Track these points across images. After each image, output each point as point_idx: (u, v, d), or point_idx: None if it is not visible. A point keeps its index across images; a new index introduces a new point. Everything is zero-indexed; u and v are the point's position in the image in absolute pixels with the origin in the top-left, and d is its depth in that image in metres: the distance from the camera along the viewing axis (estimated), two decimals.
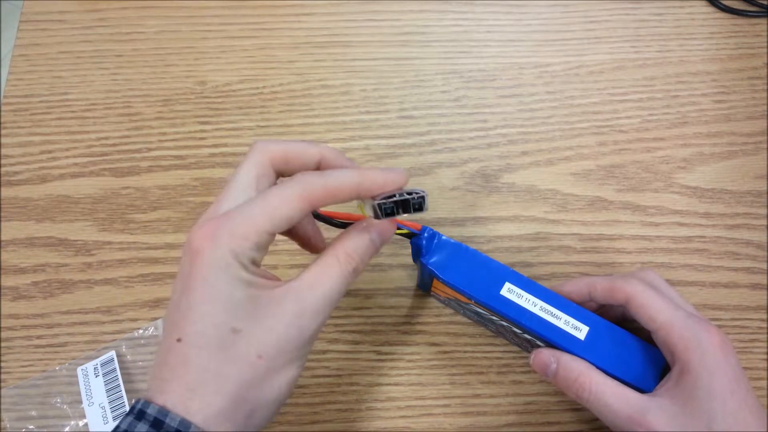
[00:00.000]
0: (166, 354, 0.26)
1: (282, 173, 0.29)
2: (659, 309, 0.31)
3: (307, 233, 0.33)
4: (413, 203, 0.28)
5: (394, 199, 0.28)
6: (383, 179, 0.28)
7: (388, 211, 0.28)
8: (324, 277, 0.27)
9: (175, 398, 0.25)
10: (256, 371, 0.25)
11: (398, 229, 0.35)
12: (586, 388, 0.31)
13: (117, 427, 0.25)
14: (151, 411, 0.25)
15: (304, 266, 0.28)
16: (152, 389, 0.26)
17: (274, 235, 0.26)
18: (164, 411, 0.24)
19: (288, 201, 0.26)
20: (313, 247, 0.34)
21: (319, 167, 0.29)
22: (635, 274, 0.35)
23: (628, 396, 0.31)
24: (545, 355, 0.33)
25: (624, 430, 0.30)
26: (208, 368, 0.25)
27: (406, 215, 0.28)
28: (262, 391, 0.26)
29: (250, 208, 0.26)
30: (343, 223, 0.33)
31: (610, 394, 0.31)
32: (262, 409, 0.26)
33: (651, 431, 0.29)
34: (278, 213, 0.26)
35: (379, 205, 0.27)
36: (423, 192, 0.28)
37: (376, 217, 0.28)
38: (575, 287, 0.35)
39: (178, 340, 0.25)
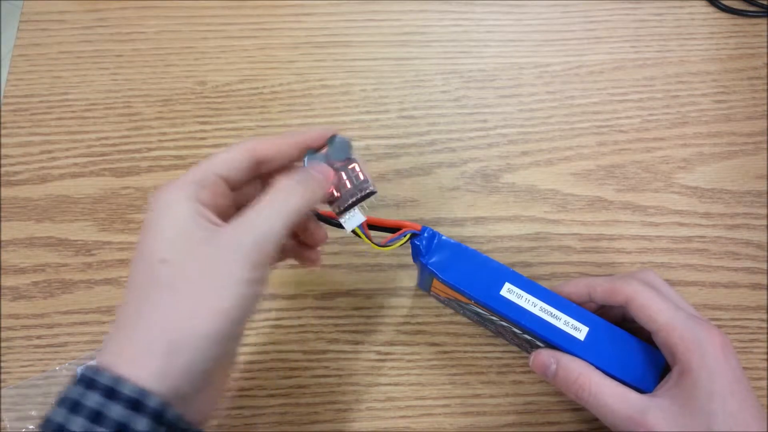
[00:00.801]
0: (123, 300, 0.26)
1: (261, 160, 0.30)
2: (659, 310, 0.31)
3: (309, 227, 0.34)
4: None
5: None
6: (315, 131, 0.31)
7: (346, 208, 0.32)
8: (257, 210, 0.27)
9: (108, 342, 0.25)
10: (177, 297, 0.24)
11: (397, 240, 0.35)
12: (586, 388, 0.31)
13: (63, 397, 0.24)
14: (87, 373, 0.24)
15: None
16: (105, 339, 0.26)
17: (221, 177, 0.28)
18: (95, 370, 0.24)
19: (229, 150, 0.29)
20: (315, 240, 0.34)
21: (292, 146, 0.31)
22: (635, 275, 0.35)
23: (627, 396, 0.31)
24: (545, 356, 0.33)
25: (624, 430, 0.30)
26: (135, 300, 0.25)
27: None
28: (185, 320, 0.24)
29: (200, 161, 0.28)
30: (341, 223, 0.34)
31: (609, 395, 0.31)
32: (188, 342, 0.24)
33: (651, 431, 0.29)
34: (221, 157, 0.28)
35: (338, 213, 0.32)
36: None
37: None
38: (575, 288, 0.35)
39: (126, 284, 0.26)
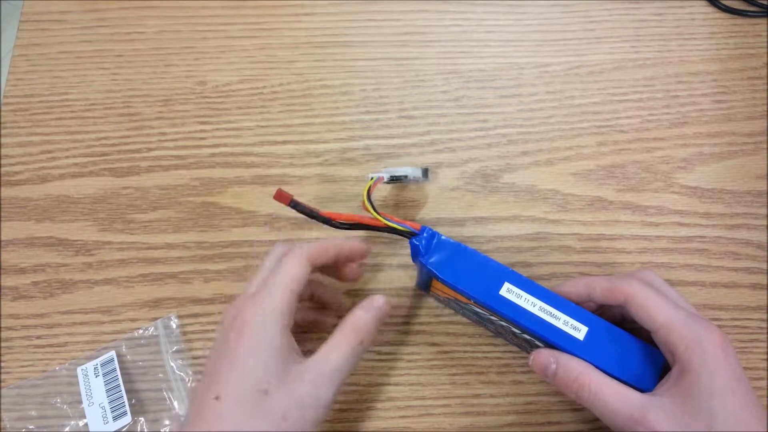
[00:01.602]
0: (202, 409, 0.29)
1: (315, 264, 0.34)
2: (659, 309, 0.31)
3: (324, 298, 0.39)
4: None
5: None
6: (353, 246, 0.36)
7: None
8: (335, 352, 0.32)
9: None
10: (279, 426, 0.29)
11: (398, 226, 0.36)
12: (586, 387, 0.31)
13: None
14: None
15: None
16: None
17: (298, 295, 0.32)
18: None
19: (293, 264, 0.33)
20: (355, 257, 0.38)
21: (339, 252, 0.36)
22: (634, 275, 0.35)
23: (628, 395, 0.31)
24: (544, 356, 0.33)
25: (624, 429, 0.30)
26: (240, 424, 0.29)
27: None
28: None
29: (275, 278, 0.32)
30: (341, 224, 0.36)
31: (609, 394, 0.31)
32: None
33: (651, 430, 0.29)
34: (293, 274, 0.32)
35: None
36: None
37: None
38: (574, 288, 0.35)
39: (216, 398, 0.29)
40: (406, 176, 0.40)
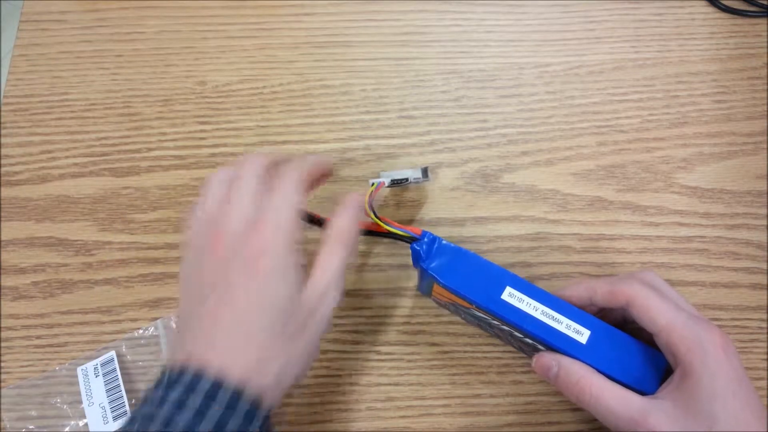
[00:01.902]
0: (221, 324, 0.29)
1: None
2: (660, 311, 0.31)
3: None
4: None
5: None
6: (327, 162, 0.37)
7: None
8: (328, 270, 0.33)
9: (243, 369, 0.28)
10: (298, 346, 0.30)
11: (398, 231, 0.36)
12: (587, 391, 0.31)
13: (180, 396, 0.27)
14: (227, 386, 0.28)
15: None
16: (203, 348, 0.29)
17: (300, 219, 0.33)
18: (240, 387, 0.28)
19: (298, 192, 0.33)
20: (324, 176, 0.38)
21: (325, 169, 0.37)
22: (635, 276, 0.35)
23: (629, 398, 0.31)
24: (546, 359, 0.34)
25: None
26: (269, 341, 0.29)
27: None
28: (298, 366, 0.31)
29: (282, 201, 0.32)
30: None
31: (611, 397, 0.31)
32: (287, 379, 0.30)
33: (652, 429, 0.29)
34: (297, 200, 0.32)
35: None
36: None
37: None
38: (575, 292, 0.35)
39: (235, 313, 0.29)
40: (406, 179, 0.41)
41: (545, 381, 0.39)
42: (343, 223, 0.34)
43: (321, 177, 0.36)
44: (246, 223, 0.31)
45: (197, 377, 0.27)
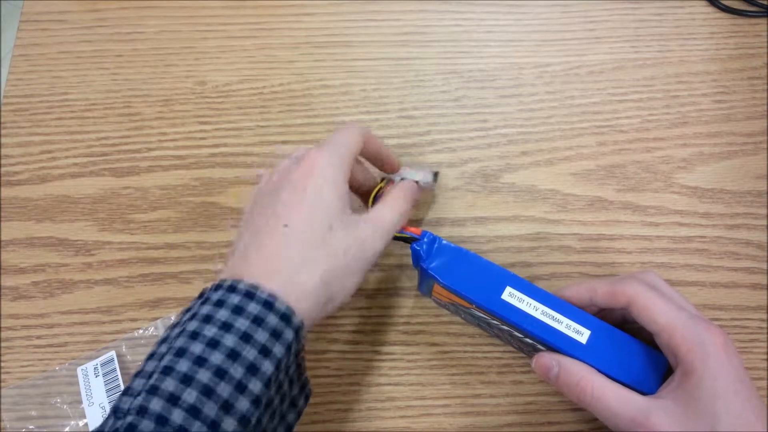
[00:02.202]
0: (270, 234, 0.31)
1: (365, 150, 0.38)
2: (661, 311, 0.31)
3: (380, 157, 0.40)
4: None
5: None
6: (391, 154, 0.40)
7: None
8: (391, 211, 0.35)
9: (284, 277, 0.30)
10: (340, 263, 0.32)
11: (398, 233, 0.36)
12: (588, 391, 0.31)
13: (221, 302, 0.29)
14: (260, 294, 0.29)
15: None
16: (255, 269, 0.31)
17: (353, 159, 0.35)
18: (273, 296, 0.29)
19: (352, 132, 0.36)
20: (387, 165, 0.40)
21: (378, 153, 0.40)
22: (635, 276, 0.35)
23: (630, 398, 0.31)
24: (547, 359, 0.33)
25: (627, 431, 0.30)
26: (304, 252, 0.31)
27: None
28: (342, 283, 0.32)
29: (336, 138, 0.35)
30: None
31: (612, 397, 0.31)
32: (338, 298, 0.32)
33: (653, 428, 0.29)
34: (352, 139, 0.35)
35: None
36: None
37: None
38: (576, 292, 0.35)
39: (285, 225, 0.31)
40: (417, 182, 0.41)
41: (544, 381, 0.39)
42: (409, 185, 0.38)
43: (381, 159, 0.39)
44: (297, 159, 0.34)
45: (232, 287, 0.29)
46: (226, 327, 0.28)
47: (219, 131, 0.48)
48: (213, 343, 0.27)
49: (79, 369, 0.39)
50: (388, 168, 0.40)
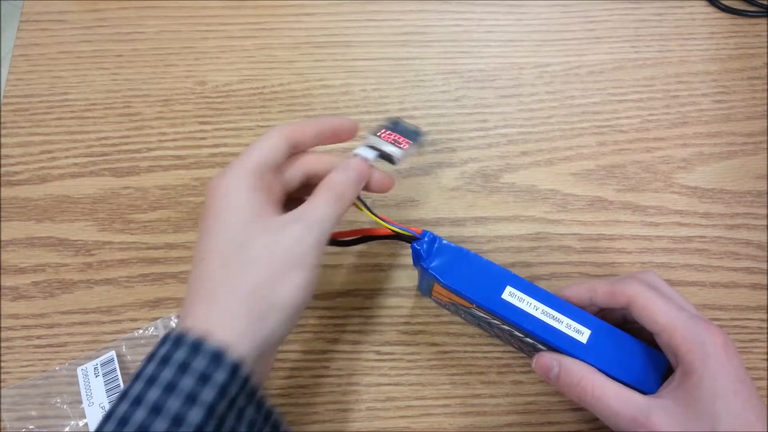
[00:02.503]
0: (191, 278, 0.30)
1: (296, 141, 0.34)
2: (661, 311, 0.31)
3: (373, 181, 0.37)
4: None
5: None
6: (336, 122, 0.36)
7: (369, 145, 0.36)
8: (313, 203, 0.32)
9: (196, 310, 0.28)
10: (263, 274, 0.29)
11: (399, 230, 0.36)
12: (589, 391, 0.31)
13: (153, 354, 0.28)
14: (172, 335, 0.28)
15: None
16: (180, 315, 0.29)
17: (269, 166, 0.32)
18: (182, 333, 0.27)
19: (268, 138, 0.33)
20: (342, 135, 0.37)
21: (320, 129, 0.35)
22: (635, 276, 0.35)
23: (631, 398, 0.31)
24: (547, 359, 0.34)
25: (627, 431, 0.30)
26: (222, 276, 0.29)
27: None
28: (273, 292, 0.29)
29: (243, 152, 0.32)
30: (346, 241, 0.37)
31: (612, 397, 0.31)
32: (275, 311, 0.29)
33: (654, 430, 0.29)
34: (264, 146, 0.32)
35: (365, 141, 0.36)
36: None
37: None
38: (575, 292, 0.35)
39: (202, 259, 0.30)
40: (391, 155, 0.36)
41: (544, 381, 0.39)
42: (337, 176, 0.33)
43: (329, 134, 0.35)
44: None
45: (165, 337, 0.28)
46: (151, 381, 0.26)
47: (219, 131, 0.48)
48: (137, 401, 0.26)
49: (79, 369, 0.39)
50: (345, 136, 0.36)
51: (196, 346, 0.27)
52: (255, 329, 0.28)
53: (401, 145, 0.37)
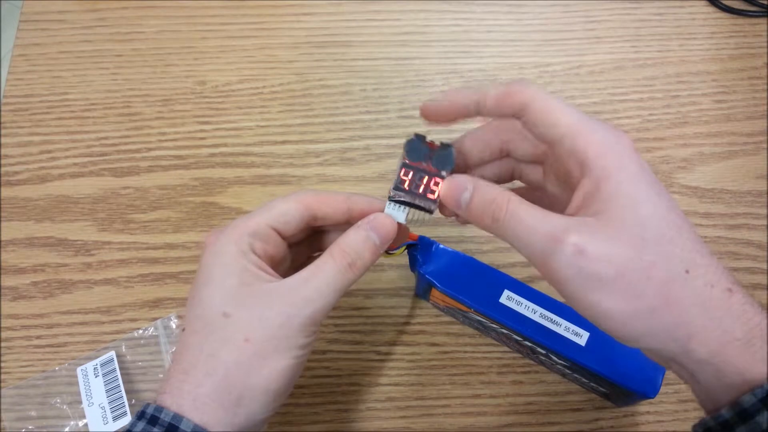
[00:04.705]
0: (179, 344, 0.28)
1: (315, 213, 0.30)
2: (564, 112, 0.26)
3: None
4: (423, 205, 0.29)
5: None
6: (368, 202, 0.31)
7: (399, 200, 0.29)
8: (317, 272, 0.28)
9: (172, 383, 0.26)
10: (243, 354, 0.26)
11: (388, 253, 0.32)
12: (504, 207, 0.26)
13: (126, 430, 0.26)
14: (149, 410, 0.26)
15: None
16: (166, 373, 0.28)
17: (277, 231, 0.29)
18: (160, 408, 0.26)
19: (283, 199, 0.30)
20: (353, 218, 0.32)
21: (347, 206, 0.31)
22: (522, 79, 0.29)
23: (548, 216, 0.25)
24: (461, 179, 0.28)
25: (545, 255, 0.25)
26: (201, 350, 0.27)
27: (415, 210, 0.29)
28: (249, 376, 0.26)
29: (258, 209, 0.29)
30: None
31: (529, 214, 0.26)
32: (251, 396, 0.26)
33: (574, 249, 0.24)
34: (275, 208, 0.29)
35: (390, 197, 0.29)
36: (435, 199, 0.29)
37: (390, 197, 0.29)
38: (462, 96, 0.29)
39: (183, 330, 0.28)
40: (426, 209, 0.30)
41: (543, 381, 0.39)
42: (354, 236, 0.29)
43: (357, 216, 0.30)
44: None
45: (142, 412, 0.26)
46: None
47: (219, 131, 0.48)
48: None
49: (78, 369, 0.39)
50: (356, 217, 0.31)
51: (172, 428, 0.25)
52: (229, 415, 0.26)
53: (433, 192, 0.29)
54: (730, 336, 0.23)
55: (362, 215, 0.30)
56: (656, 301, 0.23)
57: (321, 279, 0.28)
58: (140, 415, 0.26)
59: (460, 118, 0.30)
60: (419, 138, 0.30)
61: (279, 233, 0.29)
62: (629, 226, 0.24)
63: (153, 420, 0.25)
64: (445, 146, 0.30)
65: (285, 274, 0.29)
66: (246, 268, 0.28)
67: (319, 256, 0.29)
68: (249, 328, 0.27)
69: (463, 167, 0.31)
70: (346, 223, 0.31)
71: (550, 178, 0.29)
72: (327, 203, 0.30)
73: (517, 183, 0.32)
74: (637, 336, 0.24)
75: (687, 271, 0.23)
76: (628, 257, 0.23)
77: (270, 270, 0.29)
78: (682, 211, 0.25)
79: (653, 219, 0.24)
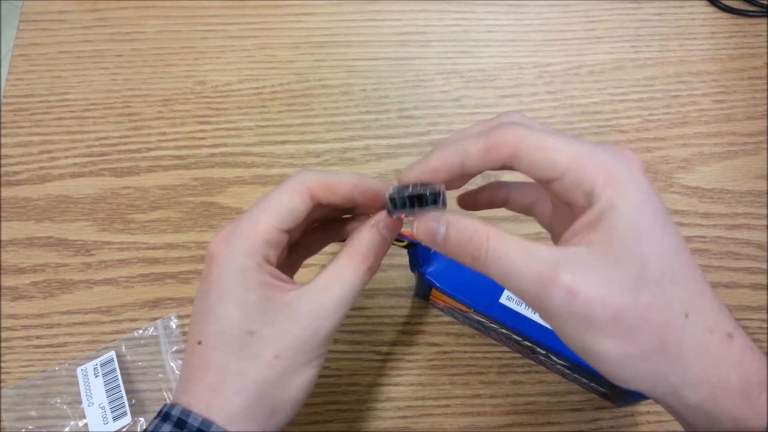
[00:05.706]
0: (189, 357, 0.27)
1: (320, 202, 0.28)
2: (559, 147, 0.23)
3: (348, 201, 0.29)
4: (427, 197, 0.26)
5: (408, 192, 0.26)
6: (379, 185, 0.29)
7: (401, 203, 0.26)
8: (338, 279, 0.27)
9: (198, 398, 0.26)
10: (274, 371, 0.26)
11: (398, 241, 0.32)
12: (483, 246, 0.24)
13: (144, 430, 0.26)
14: (174, 412, 0.26)
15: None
16: (177, 391, 0.27)
17: (286, 231, 0.27)
18: (187, 411, 0.25)
19: (288, 194, 0.27)
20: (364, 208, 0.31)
21: (354, 194, 0.29)
22: (502, 122, 0.26)
23: (534, 249, 0.23)
24: (430, 220, 0.26)
25: (535, 295, 0.23)
26: (228, 368, 0.26)
27: (420, 210, 0.26)
28: (281, 391, 0.27)
29: (256, 209, 0.27)
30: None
31: (513, 250, 0.23)
32: (282, 408, 0.27)
33: (566, 290, 0.22)
34: (282, 207, 0.27)
35: (391, 196, 0.26)
36: (439, 187, 0.26)
37: (389, 210, 0.27)
38: (442, 160, 0.26)
39: (199, 342, 0.27)
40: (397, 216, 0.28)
41: (543, 381, 0.39)
42: (371, 237, 0.28)
43: (369, 196, 0.29)
44: (224, 229, 0.28)
45: (167, 414, 0.26)
46: None
47: (219, 131, 0.48)
48: None
49: (78, 369, 0.39)
50: (363, 210, 0.30)
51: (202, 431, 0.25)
52: (260, 426, 0.26)
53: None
54: (725, 384, 0.22)
55: (368, 202, 0.29)
56: (651, 344, 0.22)
57: (344, 287, 0.27)
58: (165, 417, 0.26)
59: (451, 189, 0.27)
60: (404, 188, 0.26)
61: (287, 232, 0.28)
62: (628, 261, 0.22)
63: (180, 423, 0.25)
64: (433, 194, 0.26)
65: (282, 262, 0.29)
66: (264, 282, 0.27)
67: (315, 227, 0.30)
68: (276, 345, 0.26)
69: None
70: (353, 205, 0.29)
71: (544, 211, 0.30)
72: (334, 191, 0.28)
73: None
74: (628, 378, 0.23)
75: (686, 315, 0.22)
76: (625, 298, 0.22)
77: (284, 276, 0.28)
78: (683, 210, 0.25)
79: (655, 254, 0.22)
